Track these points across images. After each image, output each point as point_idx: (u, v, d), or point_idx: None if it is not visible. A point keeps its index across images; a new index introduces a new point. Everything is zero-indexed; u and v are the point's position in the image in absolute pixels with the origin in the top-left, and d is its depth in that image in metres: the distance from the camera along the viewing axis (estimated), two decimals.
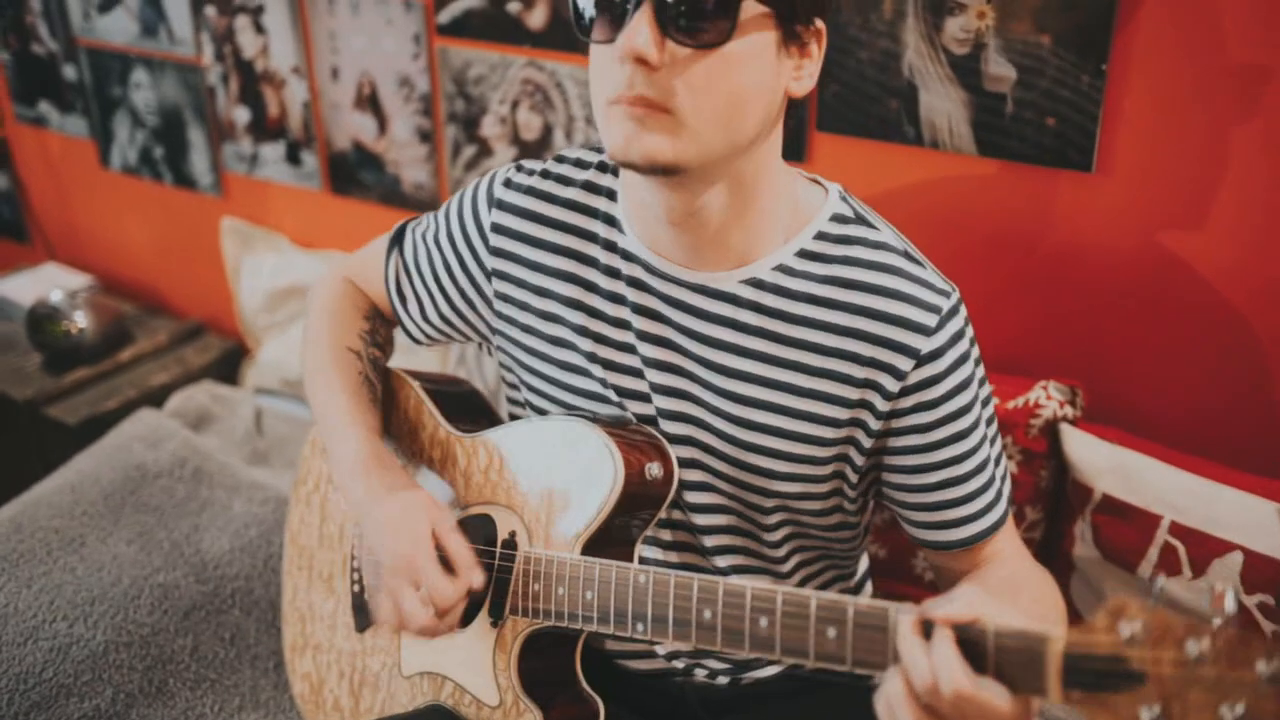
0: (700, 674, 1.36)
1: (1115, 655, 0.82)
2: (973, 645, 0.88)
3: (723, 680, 1.35)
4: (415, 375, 1.43)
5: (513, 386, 1.38)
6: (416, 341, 1.43)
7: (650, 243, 1.21)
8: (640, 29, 1.00)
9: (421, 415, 1.39)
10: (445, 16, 2.02)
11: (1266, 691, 0.77)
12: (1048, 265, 1.59)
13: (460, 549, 1.19)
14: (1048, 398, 1.55)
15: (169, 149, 2.56)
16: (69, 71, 2.67)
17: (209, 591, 1.63)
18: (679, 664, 1.35)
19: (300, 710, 1.48)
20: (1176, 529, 1.47)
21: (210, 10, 2.33)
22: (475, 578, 1.19)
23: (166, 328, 2.62)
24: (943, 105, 1.58)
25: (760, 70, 1.05)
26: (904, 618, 0.92)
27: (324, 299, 1.45)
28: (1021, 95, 1.52)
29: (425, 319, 1.38)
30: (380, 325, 1.44)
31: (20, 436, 2.34)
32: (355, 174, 2.27)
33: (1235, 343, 1.49)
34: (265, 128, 2.37)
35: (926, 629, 0.90)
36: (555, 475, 1.23)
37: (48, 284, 2.60)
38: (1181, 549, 1.47)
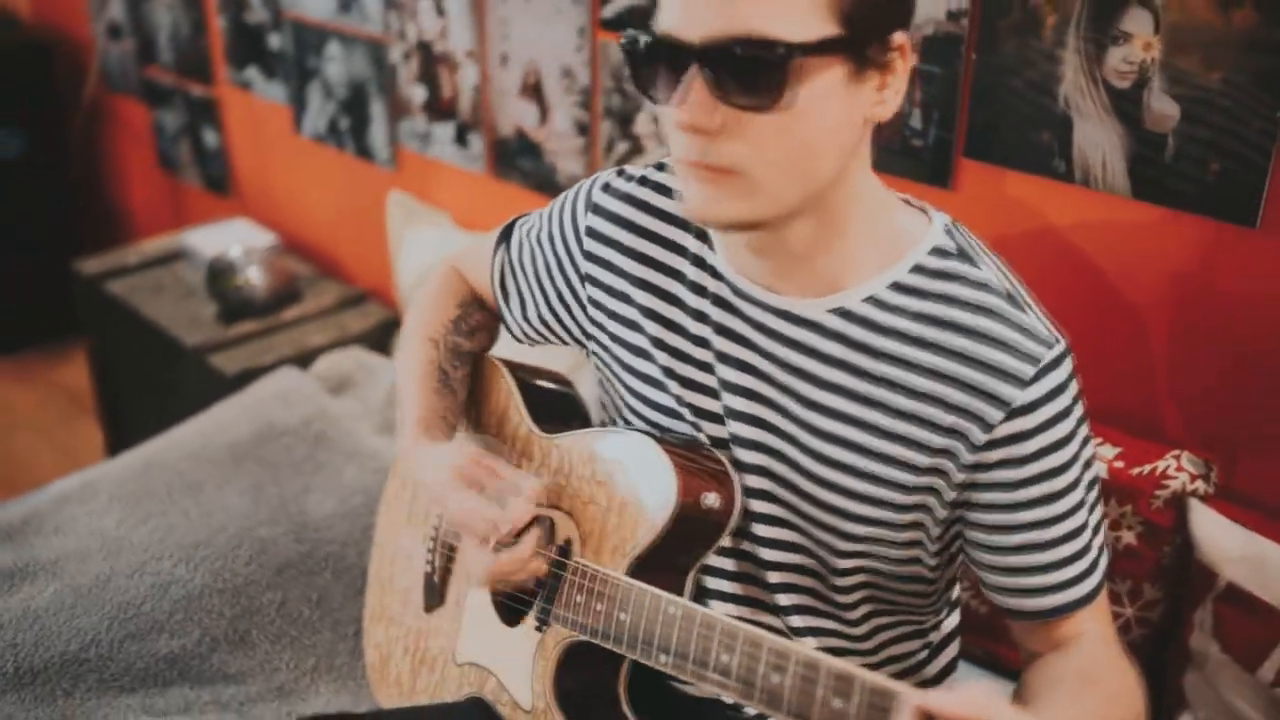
0: (749, 710, 1.31)
1: None
2: None
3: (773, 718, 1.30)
4: (514, 367, 1.43)
5: (605, 394, 1.36)
6: (518, 340, 1.43)
7: (738, 264, 1.17)
8: (692, 97, 0.97)
9: (509, 409, 1.39)
10: (609, 11, 2.02)
11: None
12: (1198, 325, 1.45)
13: (505, 467, 1.19)
14: (1178, 469, 1.42)
15: (354, 121, 2.67)
16: (274, 40, 2.82)
17: (305, 551, 1.69)
18: (727, 698, 1.31)
19: (369, 679, 1.51)
20: None
21: None
22: (530, 483, 1.16)
23: (334, 292, 2.74)
24: (1098, 141, 1.46)
25: (831, 113, 0.99)
26: (904, 709, 0.85)
27: (427, 287, 1.47)
28: (1184, 136, 1.39)
29: (525, 318, 1.38)
30: (473, 313, 1.44)
31: (184, 380, 2.49)
32: (515, 160, 2.30)
33: None
34: (439, 108, 2.43)
35: None
36: (615, 490, 1.21)
37: (233, 239, 2.75)
38: None
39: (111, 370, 2.92)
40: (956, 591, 1.35)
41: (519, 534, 1.17)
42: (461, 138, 2.41)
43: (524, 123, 2.26)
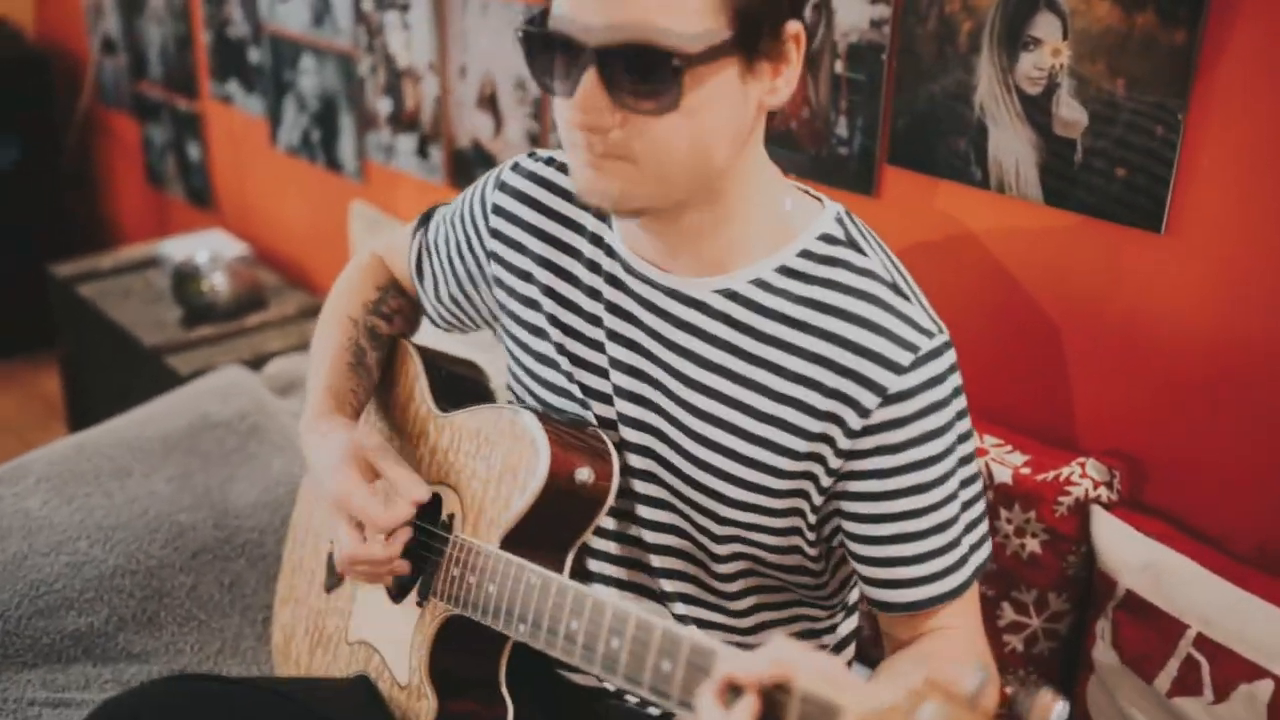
0: (631, 700, 1.30)
1: None
2: (777, 705, 0.79)
3: (653, 710, 1.29)
4: (425, 352, 1.44)
5: (511, 378, 1.37)
6: (436, 323, 1.44)
7: (631, 242, 1.18)
8: (588, 99, 0.98)
9: (414, 390, 1.40)
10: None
11: None
12: (1106, 331, 1.44)
13: (398, 472, 1.18)
14: (1082, 475, 1.41)
15: (324, 133, 2.71)
16: (254, 54, 2.87)
17: (222, 538, 1.69)
18: (610, 686, 1.30)
19: (273, 660, 1.51)
20: (1203, 643, 1.30)
21: (367, 4, 2.45)
22: (417, 492, 1.16)
23: (298, 300, 2.76)
24: (1011, 147, 1.47)
25: (725, 109, 1.01)
26: (708, 684, 0.84)
27: (347, 271, 1.49)
28: (1092, 142, 1.39)
29: (439, 298, 1.39)
30: (391, 297, 1.45)
31: (143, 381, 2.51)
32: (473, 171, 2.33)
33: None
34: (402, 120, 2.47)
35: (735, 690, 0.82)
36: (494, 464, 1.21)
37: (205, 247, 2.79)
38: (1205, 666, 1.29)
39: (81, 373, 2.95)
40: (856, 596, 1.33)
41: (389, 535, 1.17)
42: (423, 150, 2.44)
43: (480, 134, 2.29)
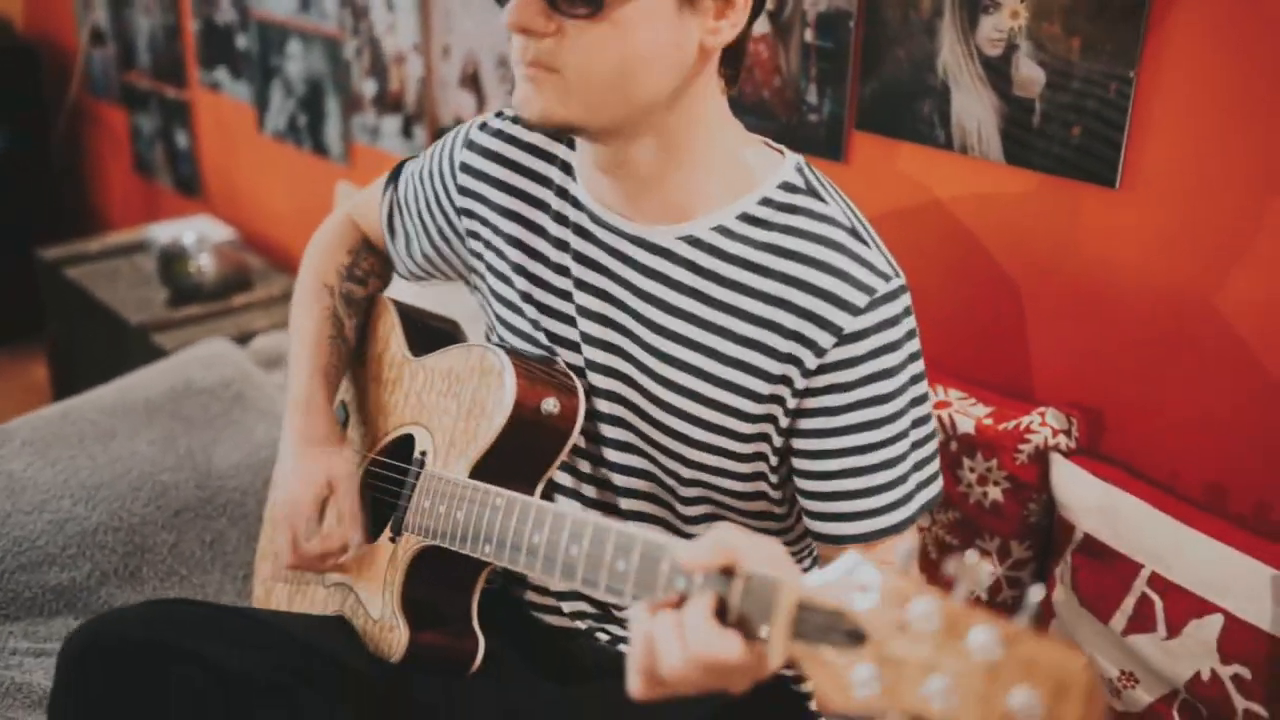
0: (603, 638, 1.33)
1: (839, 610, 0.75)
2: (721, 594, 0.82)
3: (623, 648, 1.32)
4: (402, 307, 1.47)
5: (485, 329, 1.40)
6: (406, 278, 1.48)
7: (595, 192, 1.21)
8: (522, 1, 1.02)
9: (390, 339, 1.43)
10: None
11: (972, 669, 0.70)
12: (1065, 286, 1.49)
13: (346, 506, 1.27)
14: (1041, 424, 1.44)
15: (310, 117, 2.74)
16: (241, 40, 2.91)
17: (204, 497, 1.72)
18: (581, 625, 1.33)
19: None
20: (1156, 581, 1.34)
21: None
22: (351, 537, 1.27)
23: (283, 283, 2.79)
24: (973, 109, 1.51)
25: (656, 33, 1.05)
26: (664, 542, 0.88)
27: (319, 234, 1.51)
28: (1049, 102, 1.44)
29: (410, 254, 1.42)
30: (364, 259, 1.48)
31: (129, 359, 2.54)
32: None
33: (1260, 390, 1.34)
34: (387, 101, 2.51)
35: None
36: (463, 400, 1.24)
37: (193, 230, 2.82)
38: (1159, 604, 1.33)
39: (69, 356, 2.97)
40: None
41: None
42: (407, 130, 2.48)
43: (463, 113, 2.33)
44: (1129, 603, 1.36)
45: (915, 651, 0.72)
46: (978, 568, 0.70)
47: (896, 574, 0.74)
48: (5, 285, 3.50)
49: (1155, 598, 1.33)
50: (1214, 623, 1.29)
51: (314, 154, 2.77)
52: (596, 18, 1.02)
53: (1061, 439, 1.44)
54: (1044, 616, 1.47)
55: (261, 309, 2.68)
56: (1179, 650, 1.31)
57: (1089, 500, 1.40)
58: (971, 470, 1.48)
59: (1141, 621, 1.34)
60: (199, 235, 2.74)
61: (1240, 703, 1.26)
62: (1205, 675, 1.29)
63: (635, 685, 0.84)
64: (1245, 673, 1.26)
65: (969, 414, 1.49)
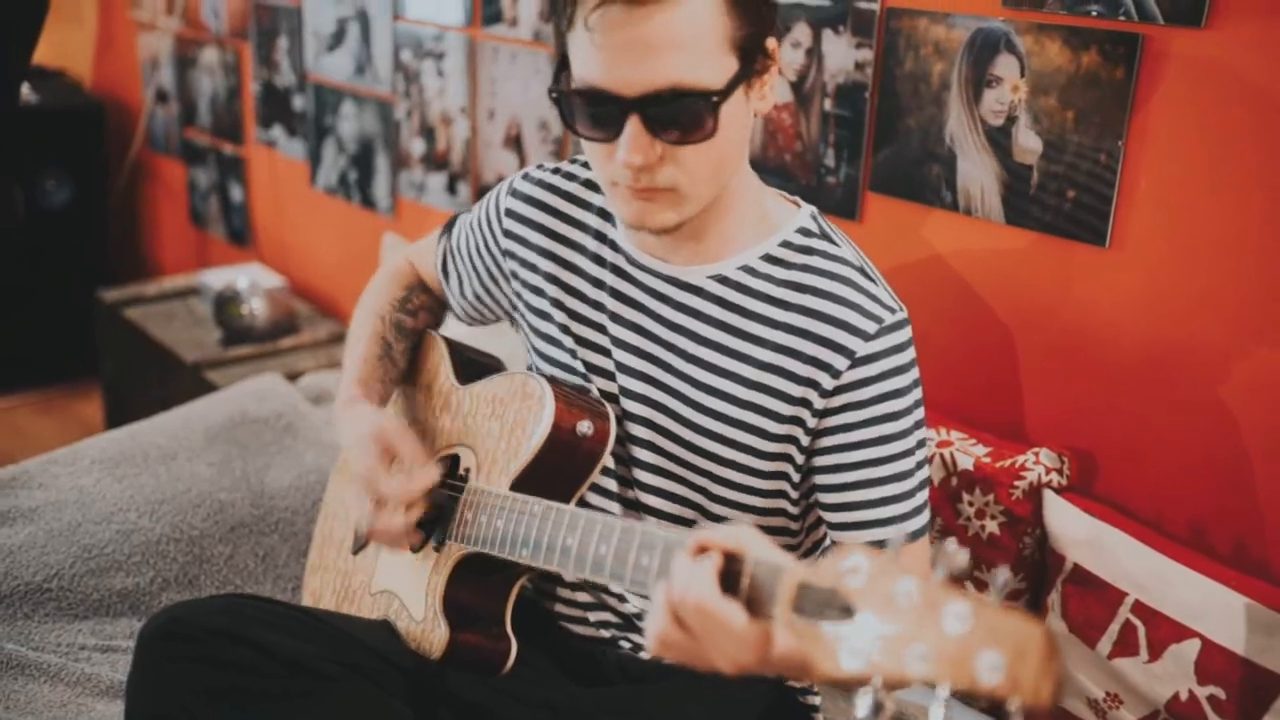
0: (625, 646, 1.44)
1: (834, 588, 0.87)
2: (733, 571, 0.95)
3: (645, 656, 1.43)
4: (451, 341, 1.61)
5: (528, 359, 1.54)
6: (460, 318, 1.62)
7: (636, 239, 1.36)
8: (634, 142, 1.15)
9: (439, 370, 1.57)
10: None
11: (947, 638, 0.81)
12: (1060, 336, 1.61)
13: (410, 448, 1.34)
14: (1036, 462, 1.56)
15: (361, 173, 2.92)
16: (298, 101, 3.10)
17: (258, 515, 1.85)
18: (606, 634, 1.44)
19: None
20: (1139, 608, 1.44)
21: (406, 54, 2.68)
22: (427, 474, 1.33)
23: (329, 328, 2.95)
24: (977, 174, 1.65)
25: (737, 125, 1.20)
26: (685, 538, 1.00)
27: (379, 274, 1.66)
28: (1046, 168, 1.58)
29: (463, 294, 1.57)
30: (417, 295, 1.63)
31: (181, 395, 2.69)
32: None
33: (1237, 434, 1.46)
34: (434, 160, 2.68)
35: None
36: (506, 421, 1.38)
37: (245, 277, 2.99)
38: (1141, 629, 1.44)
39: (123, 392, 3.13)
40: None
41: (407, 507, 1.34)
42: (452, 186, 2.64)
43: (505, 171, 2.49)
44: (1114, 628, 1.46)
45: (898, 624, 0.84)
46: (956, 554, 0.82)
47: (883, 558, 0.86)
48: (64, 327, 3.68)
49: (1138, 623, 1.44)
50: (1192, 647, 1.39)
51: (362, 207, 2.94)
52: (705, 140, 1.16)
53: (1054, 476, 1.56)
54: None
55: (308, 351, 2.83)
56: (1160, 672, 1.41)
57: (1078, 533, 1.51)
58: (970, 504, 1.59)
59: (1125, 646, 1.45)
60: (251, 281, 2.91)
61: (1216, 719, 1.36)
62: (1184, 695, 1.39)
63: (651, 640, 0.96)
64: (1220, 693, 1.36)
65: (969, 452, 1.61)
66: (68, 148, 3.75)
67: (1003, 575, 0.83)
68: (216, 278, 3.06)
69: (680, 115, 1.14)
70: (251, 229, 3.45)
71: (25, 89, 3.68)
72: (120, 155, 3.95)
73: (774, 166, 1.91)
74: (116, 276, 3.81)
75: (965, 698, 0.80)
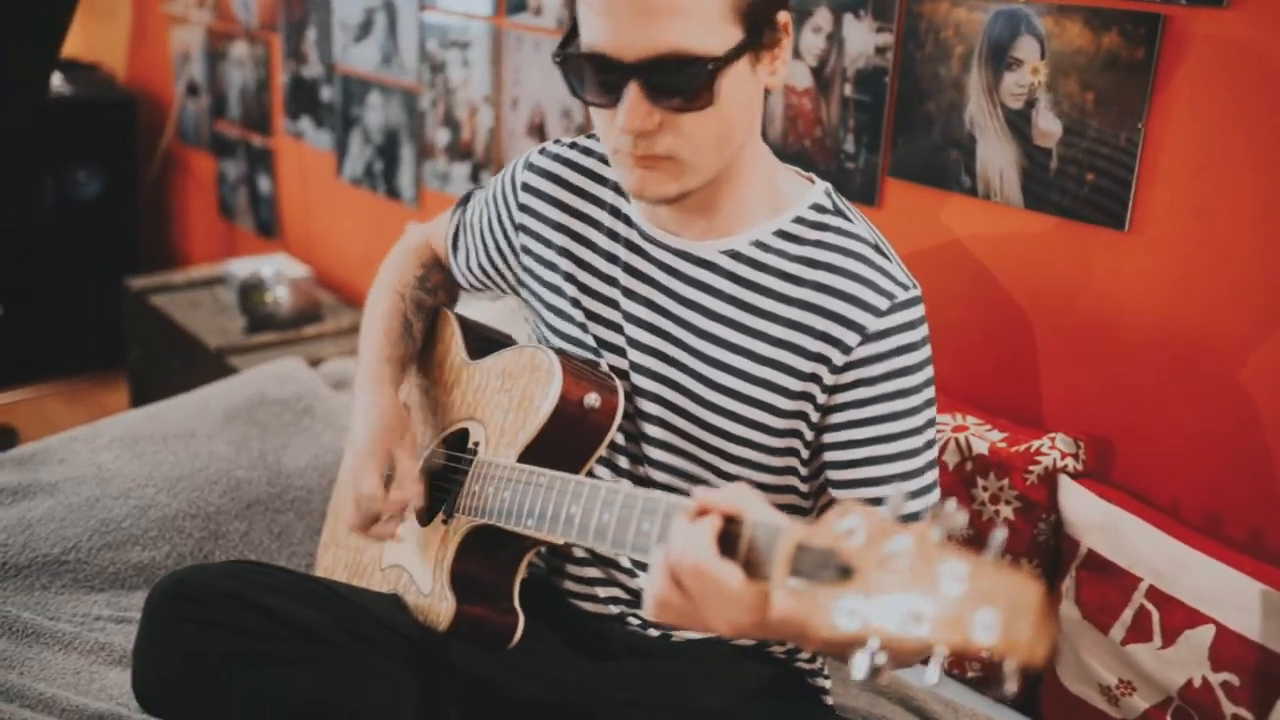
0: (634, 622, 1.44)
1: (830, 548, 0.86)
2: (731, 533, 0.94)
3: (653, 632, 1.43)
4: (464, 319, 1.62)
5: (536, 334, 1.54)
6: (463, 288, 1.63)
7: (648, 214, 1.35)
8: (631, 106, 1.15)
9: (451, 346, 1.57)
10: None
11: (942, 596, 0.80)
12: (1078, 321, 1.60)
13: (404, 465, 1.37)
14: (1051, 447, 1.55)
15: (386, 164, 2.94)
16: (326, 92, 3.12)
17: (274, 493, 1.86)
18: (614, 609, 1.44)
19: None
20: (1154, 594, 1.42)
21: (432, 45, 2.69)
22: (408, 492, 1.36)
23: (352, 317, 2.97)
24: (996, 158, 1.64)
25: (742, 95, 1.19)
26: (686, 503, 1.00)
27: (396, 251, 1.67)
28: (1066, 151, 1.56)
29: (468, 267, 1.57)
30: (434, 273, 1.63)
31: (204, 378, 2.71)
32: None
33: (1255, 421, 1.44)
34: (458, 149, 2.69)
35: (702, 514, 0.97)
36: (514, 394, 1.38)
37: (270, 266, 3.01)
38: (1156, 615, 1.42)
39: (148, 378, 3.16)
40: None
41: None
42: (475, 176, 2.65)
43: None
44: (1128, 614, 1.44)
45: (894, 583, 0.83)
46: (954, 515, 0.81)
47: (880, 518, 0.85)
48: (93, 318, 3.72)
49: (1153, 609, 1.42)
50: (1206, 633, 1.37)
51: (387, 197, 2.96)
52: (704, 107, 1.16)
53: (1070, 462, 1.54)
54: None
55: (331, 339, 2.85)
56: (1173, 659, 1.39)
57: (1093, 519, 1.49)
58: (985, 489, 1.58)
59: (1139, 632, 1.43)
60: (276, 270, 2.93)
61: (1229, 708, 1.34)
62: (1197, 682, 1.37)
63: (648, 602, 0.96)
64: (1234, 680, 1.34)
65: (984, 437, 1.59)
66: (100, 140, 3.79)
67: (1000, 535, 0.82)
68: (242, 266, 3.08)
69: (679, 82, 1.14)
70: (279, 220, 3.48)
71: (59, 81, 3.73)
72: (151, 148, 3.99)
73: (794, 152, 1.90)
74: (146, 268, 3.85)
75: (959, 657, 0.79)
